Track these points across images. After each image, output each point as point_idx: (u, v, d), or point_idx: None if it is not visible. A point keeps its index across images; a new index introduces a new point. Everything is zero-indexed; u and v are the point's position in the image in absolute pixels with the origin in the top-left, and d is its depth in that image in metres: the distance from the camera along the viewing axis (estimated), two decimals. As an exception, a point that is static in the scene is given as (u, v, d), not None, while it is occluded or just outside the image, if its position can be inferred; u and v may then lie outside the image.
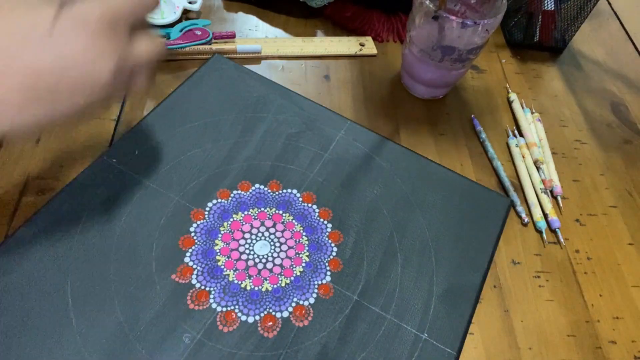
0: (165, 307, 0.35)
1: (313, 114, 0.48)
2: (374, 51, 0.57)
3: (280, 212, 0.41)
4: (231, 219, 0.40)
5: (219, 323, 0.35)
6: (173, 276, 0.36)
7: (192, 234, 0.39)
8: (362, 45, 0.57)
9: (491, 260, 0.41)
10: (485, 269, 0.40)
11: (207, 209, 0.40)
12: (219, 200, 0.41)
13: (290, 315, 0.36)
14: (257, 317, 0.35)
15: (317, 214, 0.41)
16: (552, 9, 0.58)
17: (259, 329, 0.35)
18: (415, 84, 0.52)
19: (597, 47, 0.64)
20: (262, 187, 0.42)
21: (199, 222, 0.39)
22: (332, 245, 0.40)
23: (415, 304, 0.37)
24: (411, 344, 0.35)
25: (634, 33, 0.66)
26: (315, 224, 0.41)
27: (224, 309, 0.35)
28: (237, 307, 0.36)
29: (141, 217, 0.39)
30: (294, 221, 0.41)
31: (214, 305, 0.35)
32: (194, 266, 0.37)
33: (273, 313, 0.36)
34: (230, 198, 0.41)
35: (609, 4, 0.71)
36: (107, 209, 0.39)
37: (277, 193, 0.42)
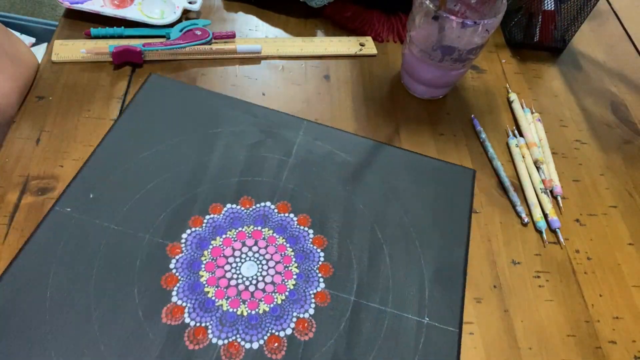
0: (163, 354, 0.33)
1: (269, 120, 0.46)
2: (374, 51, 0.57)
3: (259, 228, 0.39)
4: (210, 246, 0.38)
5: (223, 357, 0.33)
6: (164, 319, 0.34)
7: (174, 271, 0.36)
8: (362, 45, 0.57)
9: (469, 232, 0.42)
10: (466, 241, 0.41)
11: (183, 240, 0.38)
12: (193, 229, 0.38)
13: (294, 331, 0.35)
14: (261, 341, 0.34)
15: (295, 222, 0.40)
16: (552, 9, 0.58)
17: (266, 352, 0.33)
18: (415, 84, 0.52)
19: (597, 47, 0.63)
20: (234, 206, 0.40)
21: (177, 257, 0.37)
22: (318, 250, 0.39)
23: (410, 290, 0.38)
24: (415, 331, 0.36)
25: (634, 33, 0.66)
26: (297, 233, 0.40)
27: (226, 341, 0.34)
28: (238, 336, 0.34)
29: (114, 265, 0.36)
30: (274, 234, 0.39)
31: (214, 340, 0.34)
32: (184, 304, 0.35)
33: (276, 333, 0.34)
34: (204, 225, 0.39)
35: (609, 4, 0.71)
36: (74, 265, 0.35)
37: (251, 209, 0.40)
